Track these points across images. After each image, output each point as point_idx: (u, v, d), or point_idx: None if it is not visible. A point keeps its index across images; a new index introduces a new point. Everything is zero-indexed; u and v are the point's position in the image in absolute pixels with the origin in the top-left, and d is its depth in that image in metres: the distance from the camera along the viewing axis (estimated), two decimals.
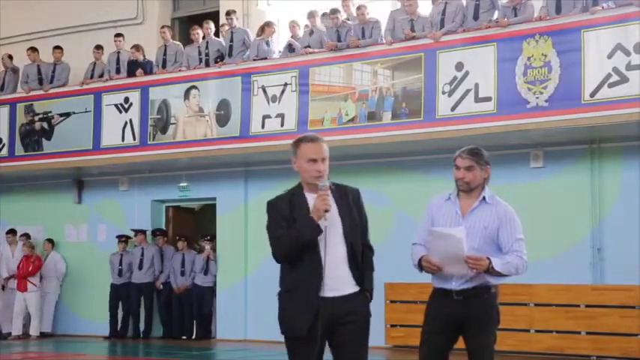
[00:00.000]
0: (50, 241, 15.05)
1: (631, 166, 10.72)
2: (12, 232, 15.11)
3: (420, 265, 4.88)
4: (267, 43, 12.64)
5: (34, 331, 14.46)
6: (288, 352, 4.50)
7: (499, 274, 4.73)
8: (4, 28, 16.49)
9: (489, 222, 4.80)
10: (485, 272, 4.69)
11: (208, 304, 13.64)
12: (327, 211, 4.31)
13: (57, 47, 14.72)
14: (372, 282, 4.54)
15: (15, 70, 15.08)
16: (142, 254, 14.00)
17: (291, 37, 12.65)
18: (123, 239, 14.20)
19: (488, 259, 4.68)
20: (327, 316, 4.33)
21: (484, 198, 4.86)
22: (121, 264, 14.09)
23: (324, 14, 12.46)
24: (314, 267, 4.34)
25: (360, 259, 4.48)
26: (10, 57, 15.19)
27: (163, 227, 14.65)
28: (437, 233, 4.75)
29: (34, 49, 14.93)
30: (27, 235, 14.97)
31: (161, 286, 14.02)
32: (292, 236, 4.36)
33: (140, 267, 13.99)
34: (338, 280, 4.38)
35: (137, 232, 14.13)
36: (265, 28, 12.76)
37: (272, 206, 4.49)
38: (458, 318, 4.80)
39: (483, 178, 4.87)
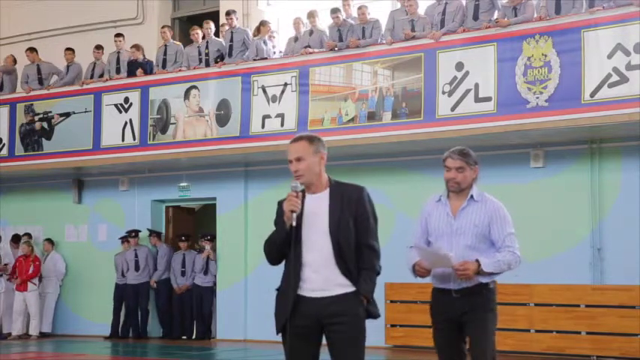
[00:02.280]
0: (50, 241, 15.04)
1: (631, 166, 10.72)
2: (16, 237, 15.06)
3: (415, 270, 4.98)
4: (265, 43, 12.64)
5: (33, 331, 14.45)
6: None
7: (491, 274, 4.82)
8: (4, 28, 16.50)
9: (480, 220, 4.89)
10: (476, 274, 4.76)
11: (208, 304, 13.63)
12: (293, 211, 4.32)
13: (68, 49, 14.68)
14: (369, 283, 4.37)
15: (10, 72, 15.04)
16: (136, 255, 14.02)
17: (296, 35, 12.66)
18: (123, 239, 14.20)
19: (477, 261, 4.76)
20: (310, 317, 4.32)
21: (472, 196, 4.95)
22: (123, 264, 14.15)
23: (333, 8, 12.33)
24: (293, 267, 4.37)
25: (354, 259, 4.36)
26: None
27: (163, 227, 14.66)
28: (425, 251, 4.87)
29: (32, 50, 14.92)
30: (29, 235, 14.99)
31: (155, 285, 14.03)
32: (268, 239, 4.51)
33: (137, 268, 14.01)
34: (324, 280, 4.33)
35: (130, 233, 14.14)
36: (261, 27, 12.78)
37: (278, 207, 4.51)
38: (458, 314, 4.87)
39: (472, 178, 4.96)
